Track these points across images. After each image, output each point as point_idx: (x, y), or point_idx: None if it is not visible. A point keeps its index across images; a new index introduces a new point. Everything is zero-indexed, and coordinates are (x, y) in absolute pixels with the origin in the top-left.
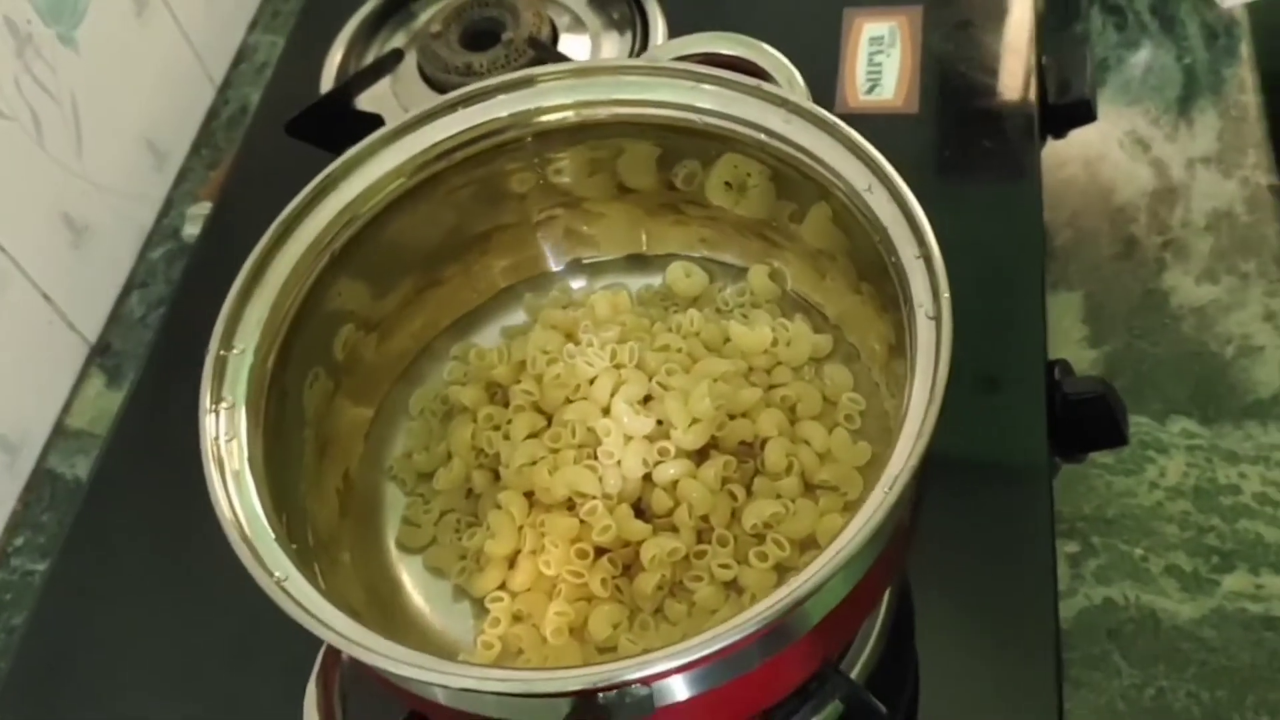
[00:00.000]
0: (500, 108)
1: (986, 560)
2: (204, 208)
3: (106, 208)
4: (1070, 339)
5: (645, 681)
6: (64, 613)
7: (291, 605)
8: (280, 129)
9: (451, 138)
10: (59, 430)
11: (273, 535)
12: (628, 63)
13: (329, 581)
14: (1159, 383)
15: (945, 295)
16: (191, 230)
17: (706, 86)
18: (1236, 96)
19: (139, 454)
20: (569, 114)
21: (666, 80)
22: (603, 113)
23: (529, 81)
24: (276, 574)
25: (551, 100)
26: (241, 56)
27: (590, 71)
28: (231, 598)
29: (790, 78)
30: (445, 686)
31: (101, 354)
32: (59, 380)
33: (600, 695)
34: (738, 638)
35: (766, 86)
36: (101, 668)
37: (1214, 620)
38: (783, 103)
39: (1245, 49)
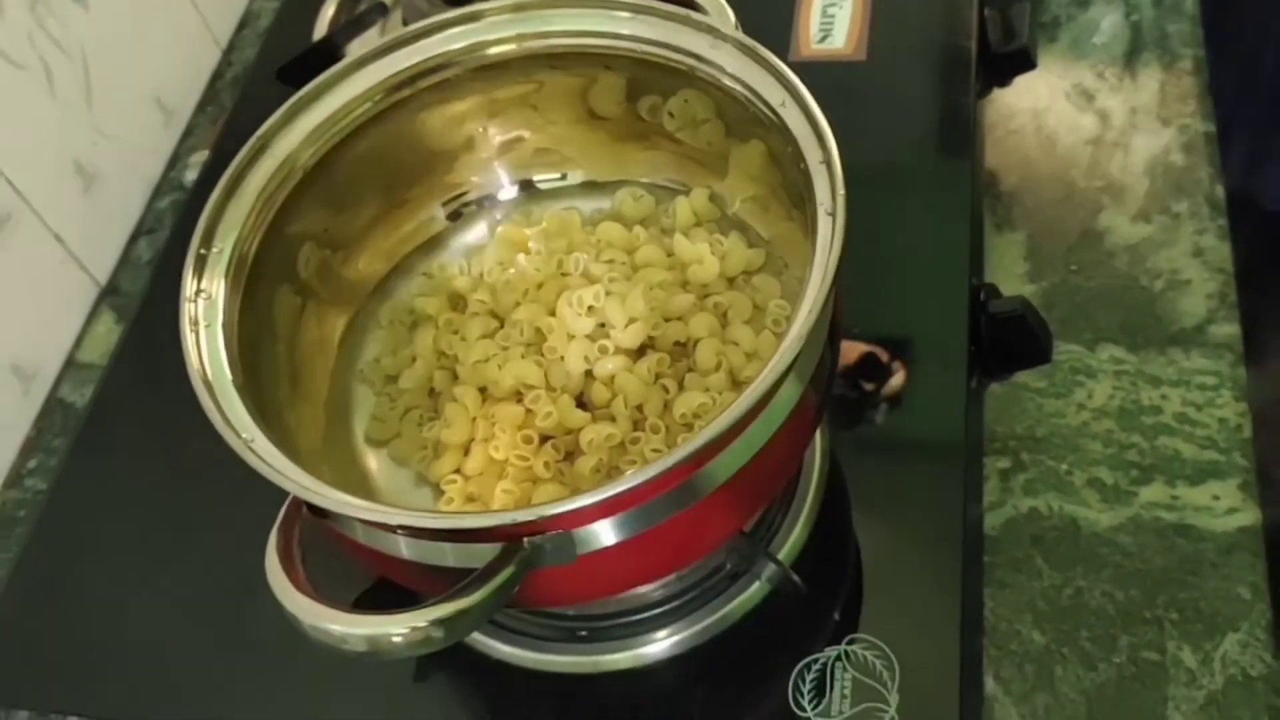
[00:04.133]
0: (452, 41)
1: (911, 463)
2: (204, 156)
3: (116, 158)
4: (1012, 274)
5: (563, 522)
6: (65, 526)
7: (257, 461)
8: (274, 82)
9: (411, 67)
10: (70, 363)
11: (243, 405)
12: None
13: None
14: (1091, 314)
15: (841, 192)
16: (193, 176)
17: (641, 17)
18: (1179, 50)
19: (137, 380)
20: (511, 46)
21: (600, 12)
22: (541, 44)
23: (476, 16)
24: (245, 435)
25: (496, 34)
26: (245, 22)
27: (528, 6)
28: (217, 507)
29: (720, 9)
30: (384, 525)
31: (111, 294)
32: (71, 317)
33: (526, 539)
34: (641, 480)
35: (694, 15)
36: (98, 579)
37: (1130, 528)
38: (708, 29)
39: (1190, 5)
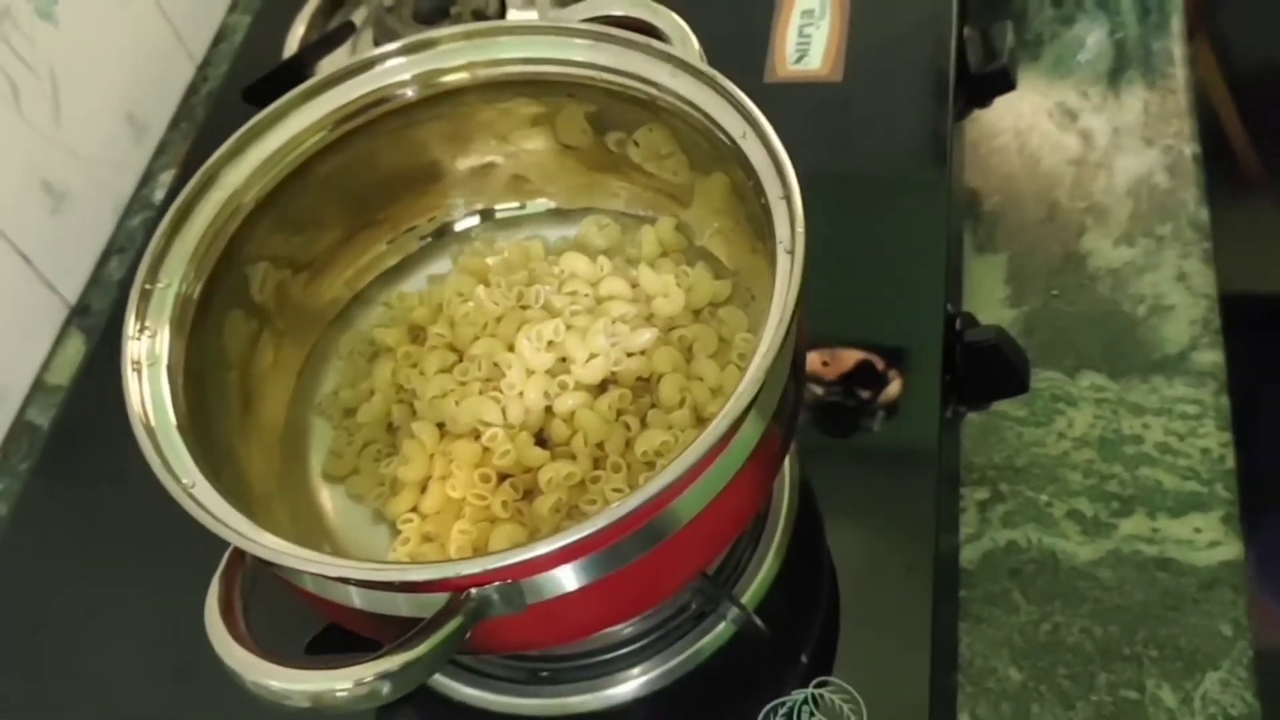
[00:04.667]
0: (406, 69)
1: (879, 498)
2: (173, 174)
3: (86, 176)
4: (993, 299)
5: (511, 573)
6: (24, 550)
7: (196, 509)
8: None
9: (363, 96)
10: (39, 385)
11: (184, 445)
12: (516, 24)
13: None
14: (1072, 339)
15: (800, 230)
16: (161, 195)
17: (599, 45)
18: (1164, 69)
19: (100, 403)
20: (464, 74)
21: (557, 39)
22: (495, 71)
23: (430, 44)
24: (185, 480)
25: (448, 62)
26: (221, 36)
27: (479, 33)
28: (185, 535)
29: (684, 37)
30: (321, 575)
31: (81, 314)
32: (39, 338)
33: (472, 590)
34: (592, 530)
35: (653, 43)
36: (57, 610)
37: (1110, 561)
38: (667, 58)
39: (1176, 23)
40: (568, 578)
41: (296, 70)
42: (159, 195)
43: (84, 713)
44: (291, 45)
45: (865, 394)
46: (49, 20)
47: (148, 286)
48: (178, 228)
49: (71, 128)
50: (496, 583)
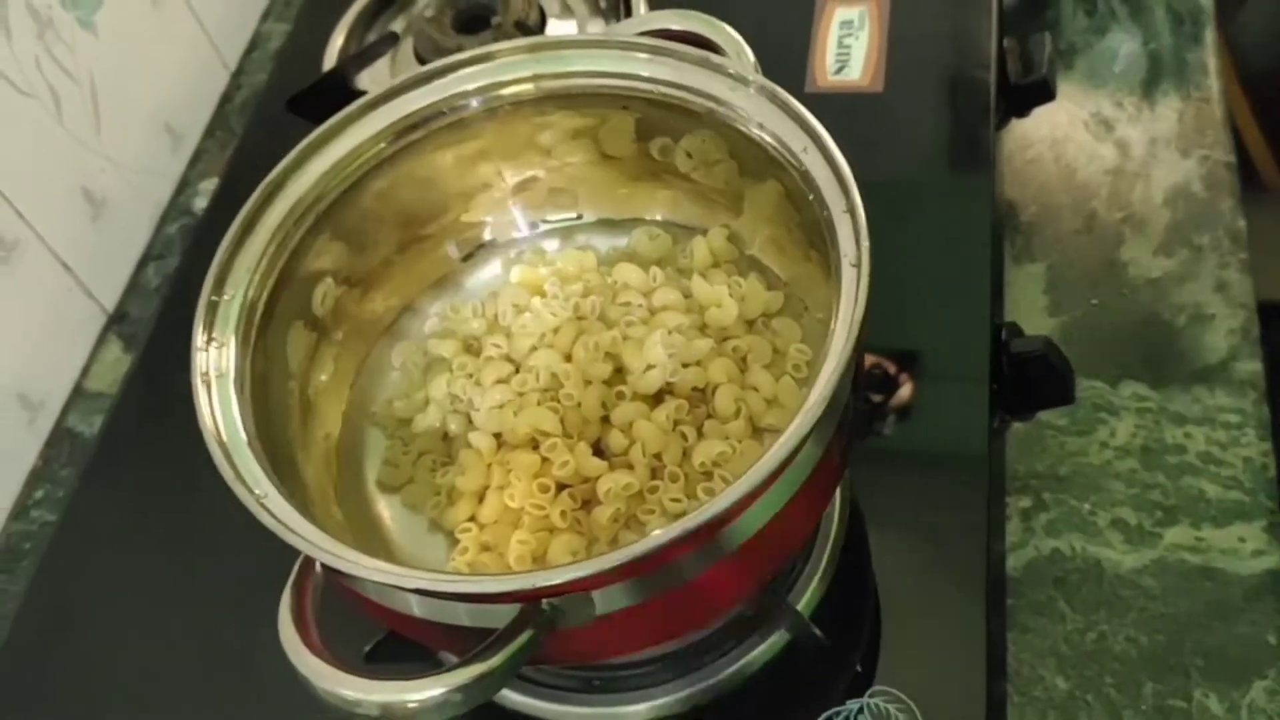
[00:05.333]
0: (466, 81)
1: (932, 507)
2: (213, 183)
3: (124, 184)
4: (1033, 308)
5: (581, 586)
6: (73, 559)
7: (269, 519)
8: (284, 108)
9: (427, 107)
10: (78, 391)
11: (255, 460)
12: (579, 38)
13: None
14: (1113, 349)
15: (865, 244)
16: (202, 203)
17: (660, 59)
18: (1199, 79)
19: (146, 412)
20: (528, 86)
21: (618, 53)
22: (558, 84)
23: (489, 56)
24: (257, 491)
25: (511, 74)
26: (254, 44)
27: (543, 46)
28: (228, 542)
29: (739, 50)
30: (399, 587)
31: (119, 322)
32: (78, 345)
33: (545, 601)
34: (663, 542)
35: (713, 57)
36: (106, 611)
37: (1155, 570)
38: (727, 73)
39: (1209, 34)
40: (640, 589)
41: (339, 83)
42: (195, 203)
43: (129, 714)
44: (331, 55)
45: (877, 398)
46: (89, 30)
47: (214, 298)
48: (243, 239)
49: (110, 136)
50: (570, 594)
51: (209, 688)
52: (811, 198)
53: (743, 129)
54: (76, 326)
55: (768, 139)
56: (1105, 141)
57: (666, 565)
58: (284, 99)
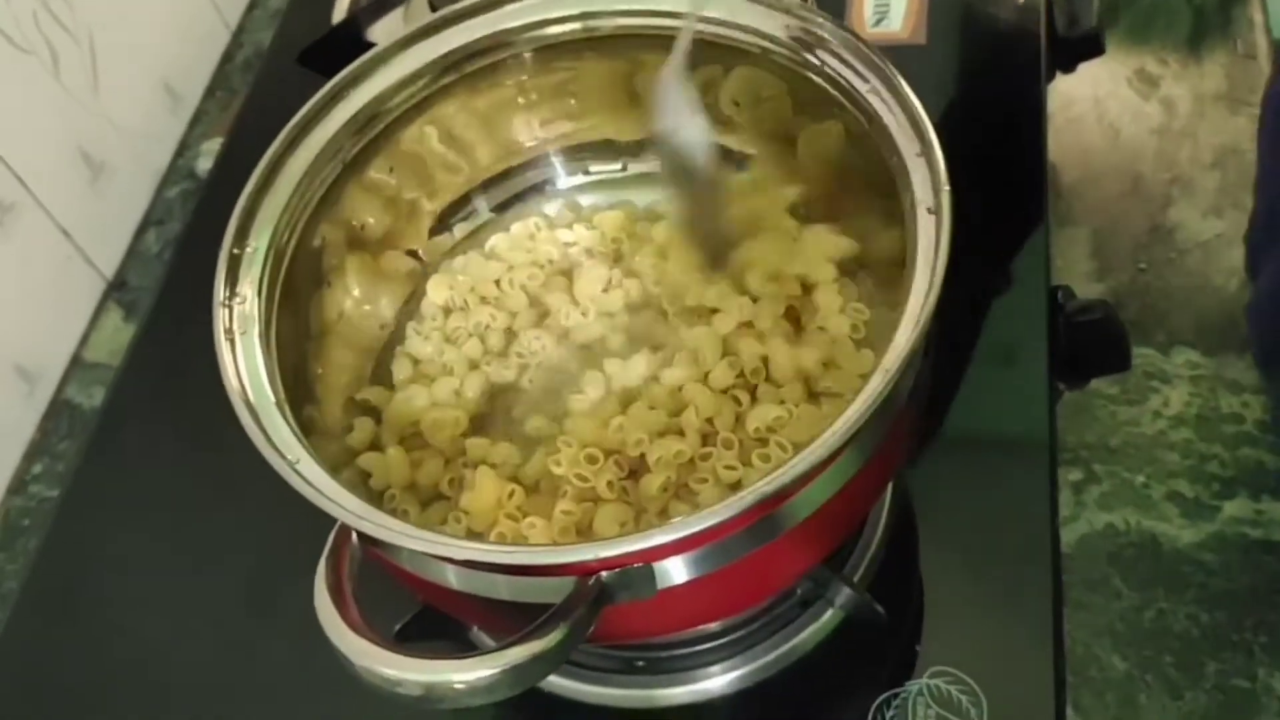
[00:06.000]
0: (509, 18)
1: (989, 478)
2: (217, 144)
3: (123, 146)
4: (1077, 272)
5: (643, 558)
6: (76, 536)
7: (304, 485)
8: (291, 66)
9: (462, 48)
10: (76, 362)
11: (285, 422)
12: None
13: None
14: (1164, 315)
15: (946, 189)
16: (206, 165)
17: None
18: (1246, 35)
19: (151, 383)
20: (575, 25)
21: None
22: (608, 24)
23: None
24: (289, 456)
25: (557, 11)
26: (255, 3)
27: None
28: (239, 514)
29: None
30: (449, 559)
31: (119, 289)
32: (77, 314)
33: (603, 573)
34: (730, 514)
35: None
36: (111, 590)
37: (1213, 545)
38: (785, 10)
39: None
40: (703, 561)
41: (351, 35)
42: (197, 165)
43: (139, 708)
44: (341, 9)
45: None
46: None
47: (236, 251)
48: (265, 188)
49: (109, 96)
50: (630, 567)
51: (219, 667)
52: (874, 138)
53: (800, 69)
54: (75, 294)
55: (828, 79)
56: (1150, 100)
57: (733, 536)
58: (289, 56)
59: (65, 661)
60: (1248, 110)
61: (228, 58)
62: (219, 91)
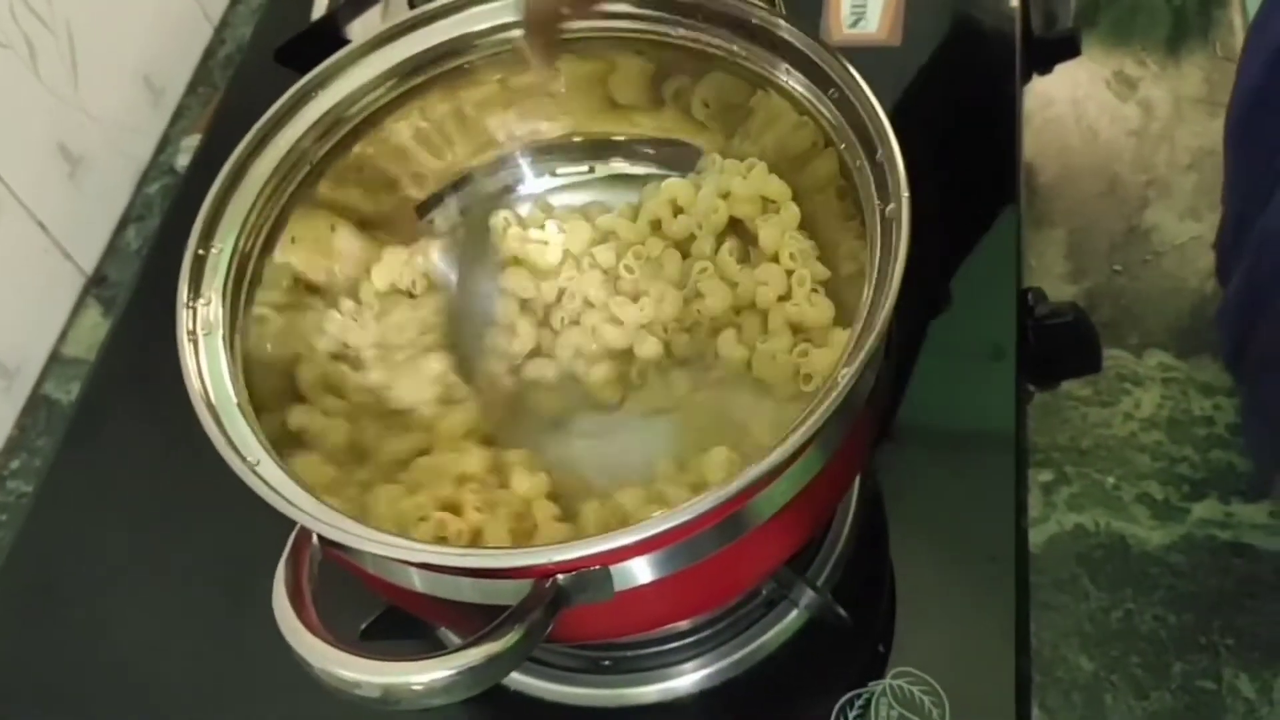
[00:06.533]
0: (476, 20)
1: (956, 479)
2: (195, 140)
3: (103, 140)
4: (1051, 274)
5: (600, 560)
6: (51, 532)
7: (263, 487)
8: (270, 62)
9: (429, 50)
10: (55, 357)
11: (246, 424)
12: None
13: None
14: (1138, 317)
15: (905, 194)
16: (184, 161)
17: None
18: (1225, 38)
19: (126, 378)
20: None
21: None
22: (575, 26)
23: None
24: (249, 458)
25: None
26: None
27: None
28: (214, 510)
29: None
30: (406, 561)
31: (98, 285)
32: (55, 309)
33: (559, 576)
34: (688, 517)
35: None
36: (87, 586)
37: (1183, 546)
38: (749, 15)
39: None
40: (661, 564)
41: (329, 32)
42: (177, 161)
43: (114, 704)
44: (320, 5)
45: None
46: None
47: (200, 252)
48: (231, 189)
49: (88, 90)
50: (586, 569)
51: (196, 665)
52: (843, 146)
53: (765, 73)
54: (54, 289)
55: (794, 85)
56: (1128, 101)
57: (693, 538)
58: (269, 52)
59: (40, 657)
60: (1224, 113)
61: (210, 53)
62: (201, 87)
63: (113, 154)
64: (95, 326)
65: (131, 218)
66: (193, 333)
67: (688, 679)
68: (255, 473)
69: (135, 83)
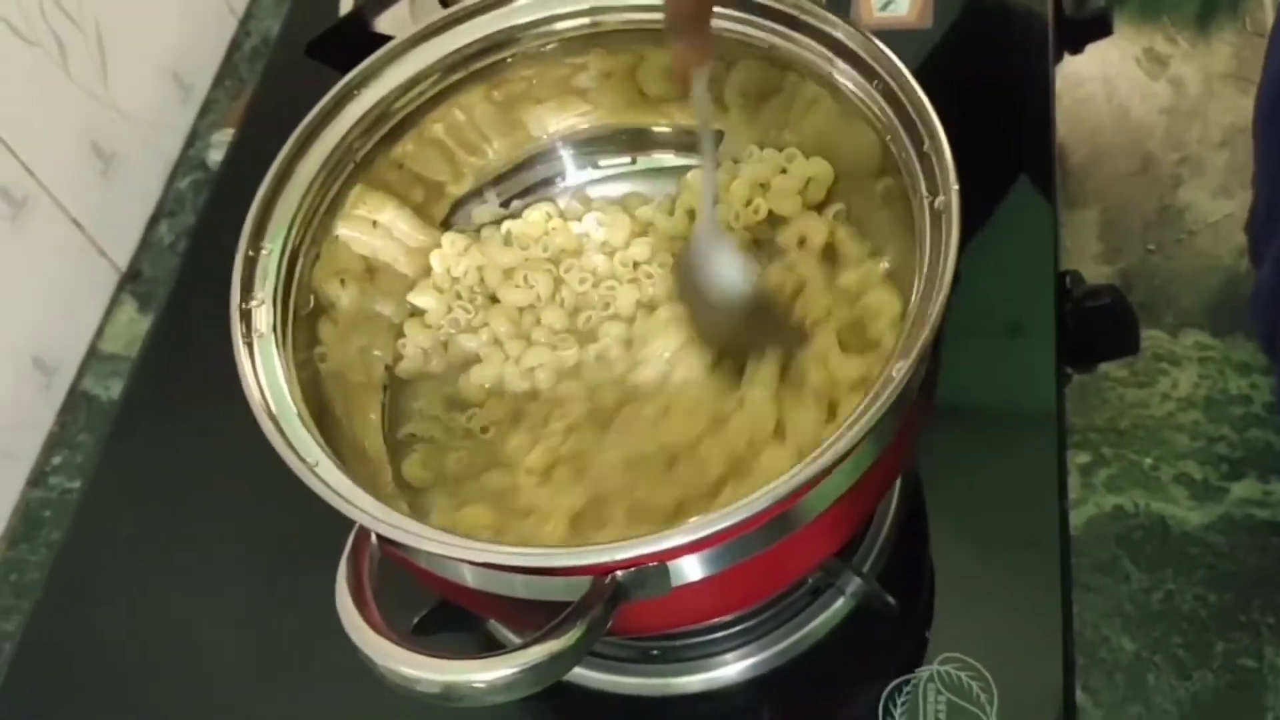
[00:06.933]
0: (517, 14)
1: (997, 465)
2: (228, 134)
3: (133, 137)
4: (1086, 255)
5: (659, 558)
6: (99, 528)
7: (323, 488)
8: (300, 56)
9: (471, 44)
10: (93, 353)
11: (303, 425)
12: None
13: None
14: (1173, 296)
15: (954, 187)
16: (216, 157)
17: None
18: (1255, 13)
19: (168, 375)
20: (583, 20)
21: None
22: (615, 19)
23: None
24: (308, 459)
25: (567, 7)
26: None
27: None
28: (258, 506)
29: None
30: (466, 560)
31: (132, 280)
32: (91, 305)
33: (619, 573)
34: (745, 515)
35: None
36: (136, 578)
37: (1222, 526)
38: (794, 6)
39: None
40: (718, 559)
41: (358, 26)
42: (210, 156)
43: (165, 703)
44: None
45: None
46: None
47: (251, 253)
48: (278, 189)
49: (118, 87)
50: (645, 565)
51: (241, 658)
52: (888, 138)
53: (808, 65)
54: (89, 286)
55: (837, 76)
56: (1159, 79)
57: (748, 534)
58: (297, 46)
59: (90, 651)
60: (1256, 89)
61: (235, 46)
62: (228, 80)
63: (143, 150)
64: (131, 322)
65: (163, 213)
66: (247, 335)
67: (734, 668)
68: (315, 473)
69: (164, 78)
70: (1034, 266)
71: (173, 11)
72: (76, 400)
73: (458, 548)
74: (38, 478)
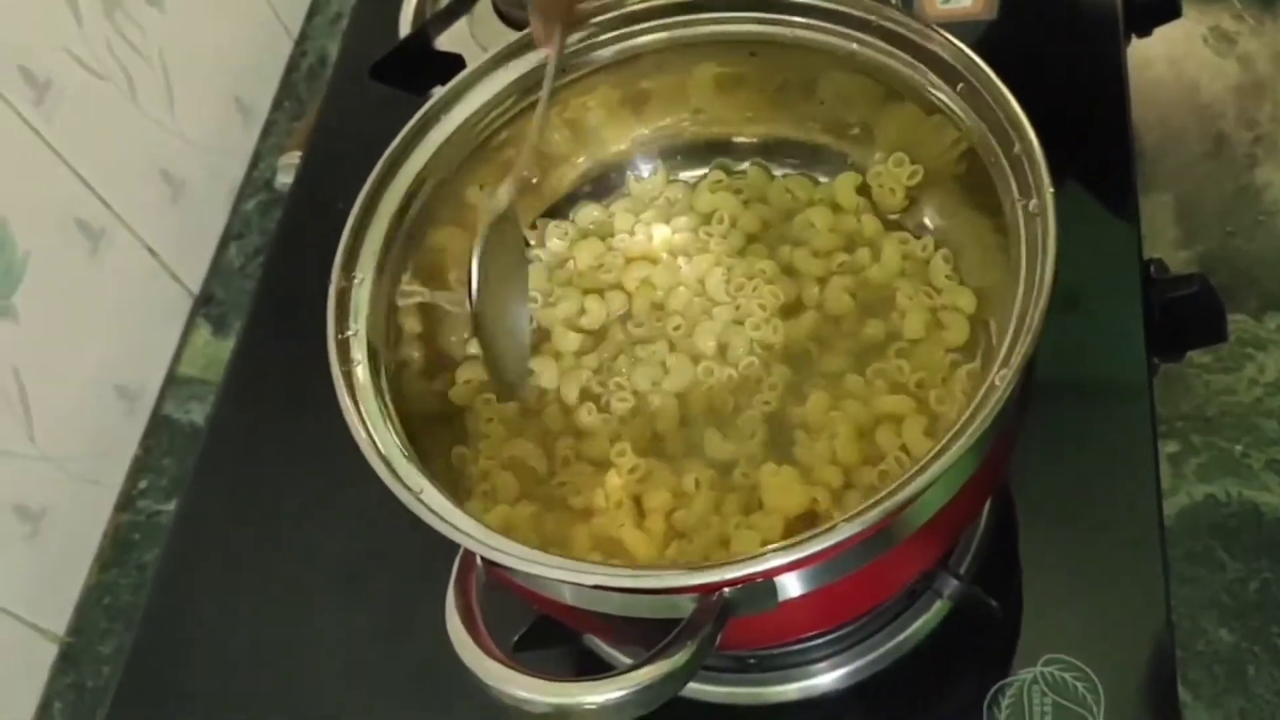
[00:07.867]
0: (593, 30)
1: (1089, 460)
2: (294, 157)
3: (200, 162)
4: (1163, 240)
5: (766, 575)
6: (193, 549)
7: (430, 515)
8: (360, 76)
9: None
10: (171, 378)
11: (403, 451)
12: None
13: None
14: (1255, 279)
15: (1049, 190)
16: (284, 180)
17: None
18: None
19: (252, 397)
20: (660, 35)
21: None
22: (691, 32)
23: (619, 4)
24: (413, 488)
25: (643, 22)
26: (315, 9)
27: None
28: (351, 524)
29: None
30: (575, 584)
31: (205, 304)
32: (168, 330)
33: (726, 590)
34: (853, 532)
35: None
36: (233, 600)
37: None
38: (874, 11)
39: None
40: (824, 574)
41: (422, 44)
42: (271, 177)
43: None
44: (406, 16)
45: None
46: (156, 6)
47: (344, 283)
48: (366, 218)
49: (184, 114)
50: (752, 582)
51: (343, 677)
52: (975, 140)
53: (891, 71)
54: (165, 312)
55: (921, 80)
56: (1227, 57)
57: (852, 549)
58: (357, 65)
59: (193, 673)
60: None
61: (293, 66)
62: (286, 102)
63: (210, 175)
64: (206, 345)
65: (232, 235)
66: (345, 365)
67: (832, 675)
68: (421, 500)
69: (226, 103)
70: (1117, 257)
71: (231, 36)
72: (159, 425)
73: (564, 570)
74: (125, 502)
